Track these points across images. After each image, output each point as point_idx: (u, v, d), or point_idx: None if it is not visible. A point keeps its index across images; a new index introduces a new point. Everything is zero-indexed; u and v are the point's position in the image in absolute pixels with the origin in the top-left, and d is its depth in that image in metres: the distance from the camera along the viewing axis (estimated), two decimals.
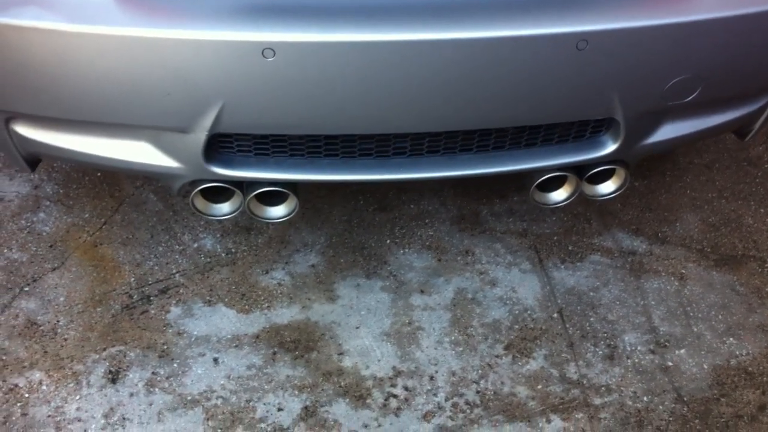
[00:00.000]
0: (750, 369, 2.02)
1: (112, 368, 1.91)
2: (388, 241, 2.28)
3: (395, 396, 1.92)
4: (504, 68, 1.63)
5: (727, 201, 2.50)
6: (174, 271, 2.15)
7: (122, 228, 2.24)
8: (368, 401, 1.90)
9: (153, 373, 1.91)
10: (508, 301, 2.14)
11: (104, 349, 1.95)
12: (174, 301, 2.07)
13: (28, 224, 2.25)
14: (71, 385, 1.87)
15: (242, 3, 1.56)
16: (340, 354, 2.00)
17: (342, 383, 1.93)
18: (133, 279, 2.11)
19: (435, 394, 1.93)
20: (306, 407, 1.87)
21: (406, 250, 2.26)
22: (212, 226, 2.27)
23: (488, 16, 1.59)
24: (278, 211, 1.90)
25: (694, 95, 1.79)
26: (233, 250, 2.22)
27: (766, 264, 2.29)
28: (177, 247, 2.21)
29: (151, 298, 2.07)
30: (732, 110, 1.97)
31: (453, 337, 2.05)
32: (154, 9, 1.55)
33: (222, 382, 1.91)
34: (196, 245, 2.22)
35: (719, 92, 1.87)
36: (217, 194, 1.88)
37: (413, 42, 1.55)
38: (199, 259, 2.19)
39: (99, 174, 2.39)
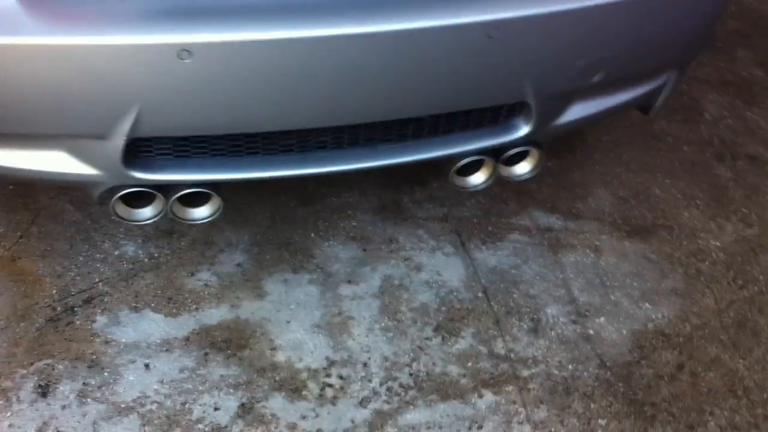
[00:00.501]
0: (666, 331, 2.12)
1: (41, 382, 1.87)
2: (312, 235, 2.30)
3: (330, 385, 1.95)
4: (418, 59, 1.67)
5: (635, 174, 2.61)
6: (97, 280, 2.11)
7: (40, 240, 2.20)
8: (304, 393, 1.92)
9: (84, 383, 1.88)
10: (434, 285, 2.19)
11: (32, 364, 1.91)
12: (99, 310, 2.04)
13: None
14: (1, 402, 1.83)
15: (155, 5, 1.55)
16: (273, 349, 2.01)
17: (277, 378, 1.95)
18: (55, 291, 2.07)
19: (369, 380, 1.96)
20: (242, 404, 1.88)
21: (331, 242, 2.29)
22: (133, 231, 2.24)
23: (402, 8, 1.62)
24: (202, 212, 1.90)
25: (599, 75, 1.87)
26: (156, 255, 2.20)
27: (674, 232, 2.41)
28: (98, 255, 2.18)
29: (76, 308, 2.04)
30: (635, 88, 2.06)
31: (383, 324, 2.08)
32: (64, 15, 1.52)
33: (155, 387, 1.90)
34: (117, 252, 2.20)
35: (622, 71, 1.95)
36: (138, 199, 1.86)
37: (328, 37, 1.57)
38: (121, 266, 2.16)
39: (11, 187, 2.33)
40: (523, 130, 1.95)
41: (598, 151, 2.69)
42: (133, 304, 2.07)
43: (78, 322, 2.01)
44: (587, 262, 2.29)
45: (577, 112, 2.01)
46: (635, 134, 2.78)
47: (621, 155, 2.68)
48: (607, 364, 2.04)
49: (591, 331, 2.11)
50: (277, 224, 2.33)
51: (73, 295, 2.07)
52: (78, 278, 2.11)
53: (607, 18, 1.75)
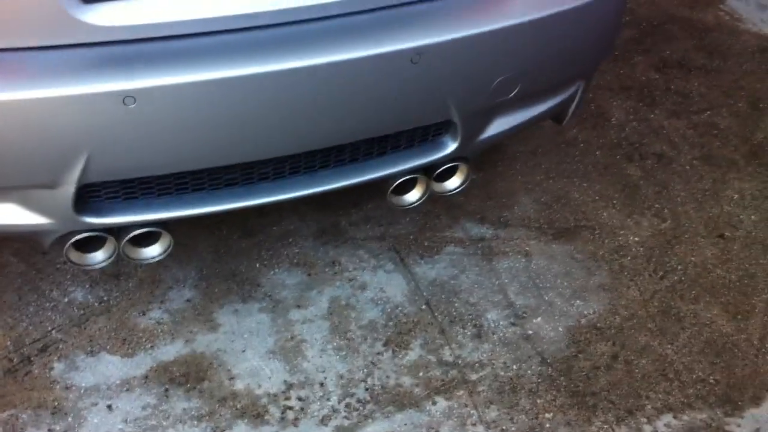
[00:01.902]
0: (599, 325, 2.27)
1: None
2: (257, 265, 2.37)
3: (291, 408, 2.02)
4: (350, 87, 1.78)
5: (554, 181, 2.77)
6: (50, 328, 2.14)
7: None
8: (266, 417, 1.99)
9: (49, 430, 1.91)
10: (379, 302, 2.29)
11: None
12: (56, 358, 2.06)
13: None
14: None
15: (96, 54, 1.62)
16: (231, 379, 2.07)
17: (238, 405, 2.01)
18: (9, 343, 2.09)
19: (328, 399, 2.04)
20: None
21: (276, 270, 2.36)
22: (80, 277, 2.27)
23: (332, 41, 1.73)
24: (154, 251, 1.95)
25: (516, 91, 2.01)
26: (105, 298, 2.23)
27: (596, 231, 2.57)
28: (48, 304, 2.20)
29: (32, 358, 2.06)
30: (549, 99, 2.22)
31: (335, 344, 2.17)
32: (8, 70, 1.58)
33: (120, 426, 1.94)
34: (67, 299, 2.22)
35: (537, 86, 2.10)
36: (89, 243, 1.91)
37: (263, 74, 1.66)
38: (73, 313, 2.19)
39: None
40: (451, 147, 2.08)
41: (518, 161, 2.85)
42: (89, 348, 2.10)
43: (36, 371, 2.03)
44: (519, 267, 2.43)
45: (499, 126, 2.15)
46: (550, 143, 2.94)
47: (540, 163, 2.85)
48: (548, 360, 2.17)
49: (530, 331, 2.24)
50: (221, 257, 2.39)
51: (27, 345, 2.09)
52: (31, 328, 2.13)
53: (519, 37, 1.90)
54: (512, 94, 2.01)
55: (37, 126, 1.60)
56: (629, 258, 2.49)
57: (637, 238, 2.56)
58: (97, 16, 1.58)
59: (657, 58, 3.51)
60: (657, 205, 2.69)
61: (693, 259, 2.50)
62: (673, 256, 2.51)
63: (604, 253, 2.50)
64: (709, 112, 3.17)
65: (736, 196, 2.76)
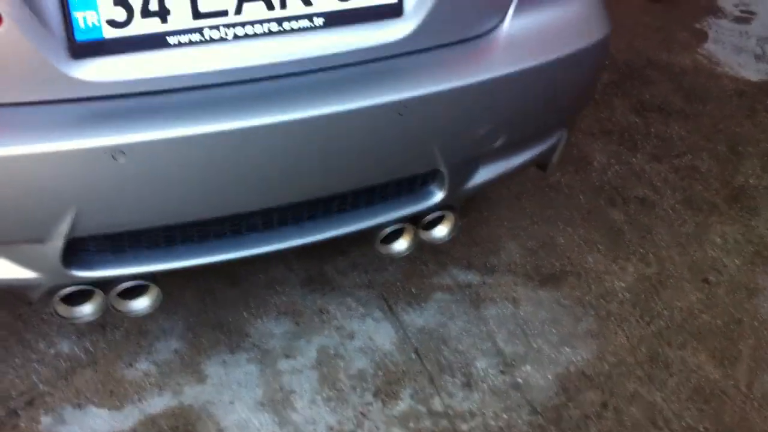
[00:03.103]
0: (587, 372, 2.27)
1: None
2: (245, 314, 2.36)
3: None
4: (338, 140, 1.79)
5: (539, 226, 2.79)
6: (36, 380, 2.11)
7: None
8: None
9: None
10: (368, 350, 2.28)
11: None
12: (43, 411, 2.04)
13: None
14: None
15: (85, 109, 1.62)
16: (220, 431, 2.05)
17: None
18: None
19: None
20: None
21: (264, 319, 2.35)
22: (66, 329, 2.25)
23: (320, 94, 1.74)
24: (142, 303, 1.94)
25: (501, 140, 2.03)
26: (92, 350, 2.22)
27: (582, 277, 2.58)
28: (34, 356, 2.18)
29: (19, 411, 2.03)
30: (533, 147, 2.24)
31: (324, 394, 2.16)
32: None
33: None
34: (53, 351, 2.20)
35: (521, 135, 2.13)
36: (77, 296, 1.89)
37: (251, 127, 1.67)
38: (59, 365, 2.17)
39: None
40: (438, 196, 2.10)
41: (502, 206, 2.87)
42: (76, 401, 2.08)
43: (23, 425, 2.00)
44: (507, 314, 2.43)
45: (484, 174, 2.17)
46: (534, 188, 2.97)
47: (524, 208, 2.87)
48: (538, 409, 2.17)
49: (519, 380, 2.24)
50: (208, 307, 2.38)
51: (14, 398, 2.06)
52: (17, 380, 2.11)
53: (504, 89, 1.93)
54: (497, 144, 2.04)
55: (26, 181, 1.60)
56: (616, 303, 2.51)
57: (622, 284, 2.58)
58: (85, 72, 1.59)
59: (637, 101, 3.57)
60: (641, 250, 2.72)
61: (679, 304, 2.52)
62: (659, 301, 2.53)
63: (591, 298, 2.51)
64: (689, 156, 3.22)
65: (719, 240, 2.79)
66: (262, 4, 1.66)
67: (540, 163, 2.39)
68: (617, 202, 2.93)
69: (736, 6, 4.65)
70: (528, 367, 2.28)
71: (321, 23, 1.73)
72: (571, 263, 2.65)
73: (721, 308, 2.52)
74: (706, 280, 2.62)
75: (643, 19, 4.37)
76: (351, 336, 2.32)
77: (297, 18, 1.70)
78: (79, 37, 1.55)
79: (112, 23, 1.56)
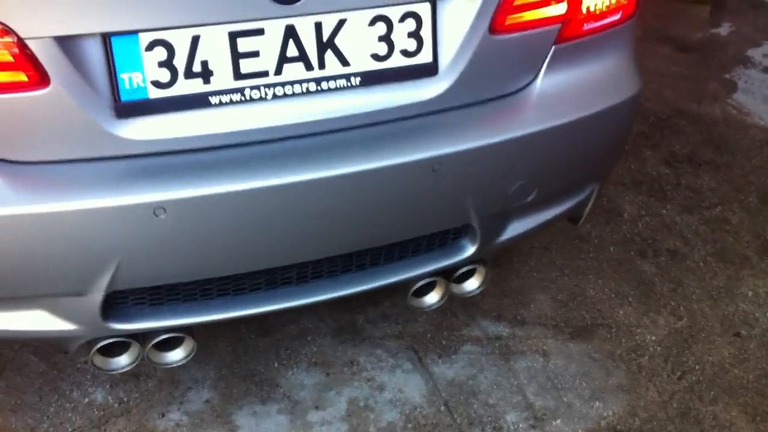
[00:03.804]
0: (618, 427, 2.26)
1: None
2: (276, 364, 2.38)
3: None
4: (374, 196, 1.83)
5: (569, 278, 2.79)
6: (69, 429, 2.13)
7: (8, 394, 2.21)
8: None
9: None
10: (397, 403, 2.28)
11: None
12: None
13: None
14: None
15: (129, 166, 1.67)
16: None
17: None
18: None
19: None
20: None
21: (295, 369, 2.37)
22: (100, 378, 2.28)
23: (355, 152, 1.78)
24: (177, 355, 1.97)
25: (532, 195, 2.05)
26: (125, 399, 2.24)
27: (613, 330, 2.58)
28: (68, 404, 2.21)
29: None
30: (565, 202, 2.26)
31: None
32: (42, 183, 1.62)
33: None
34: (87, 400, 2.22)
35: (553, 190, 2.15)
36: (113, 348, 1.93)
37: (290, 184, 1.71)
38: (92, 414, 2.19)
39: None
40: (470, 250, 2.11)
41: (532, 258, 2.88)
42: None
43: None
44: (537, 367, 2.43)
45: (516, 228, 2.18)
46: (564, 239, 2.98)
47: (554, 260, 2.87)
48: None
49: None
50: (240, 357, 2.40)
51: None
52: (51, 429, 2.13)
53: (536, 145, 1.95)
54: (529, 199, 2.06)
55: (69, 236, 1.64)
56: (647, 357, 2.49)
57: (653, 337, 2.57)
58: (129, 130, 1.64)
59: (667, 152, 3.57)
60: (672, 303, 2.71)
61: (710, 358, 2.50)
62: (690, 355, 2.51)
63: (622, 352, 2.50)
64: (720, 207, 3.21)
65: (750, 294, 2.77)
66: (301, 64, 1.70)
67: (571, 217, 2.40)
68: (648, 254, 2.93)
69: (765, 56, 4.67)
70: (558, 422, 2.27)
71: (358, 82, 1.77)
72: (601, 316, 2.64)
73: (753, 363, 2.50)
74: (737, 334, 2.60)
75: (672, 69, 4.39)
76: (381, 388, 2.33)
77: (335, 78, 1.74)
78: (125, 97, 1.60)
79: (157, 84, 1.61)
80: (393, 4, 1.72)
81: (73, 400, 2.23)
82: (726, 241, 3.02)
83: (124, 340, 1.88)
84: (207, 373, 2.34)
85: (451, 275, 2.17)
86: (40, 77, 1.54)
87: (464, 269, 2.17)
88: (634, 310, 2.67)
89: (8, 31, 1.49)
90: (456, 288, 2.24)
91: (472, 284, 2.26)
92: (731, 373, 2.46)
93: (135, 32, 1.55)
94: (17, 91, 1.55)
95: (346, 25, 1.70)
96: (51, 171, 1.64)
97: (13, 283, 1.70)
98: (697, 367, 2.47)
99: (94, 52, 1.56)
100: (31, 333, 1.80)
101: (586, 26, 1.95)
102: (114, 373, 1.96)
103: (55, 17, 1.50)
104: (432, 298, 2.22)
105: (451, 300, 2.54)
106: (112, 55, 1.56)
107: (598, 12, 1.95)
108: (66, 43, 1.52)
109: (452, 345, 2.49)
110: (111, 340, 1.85)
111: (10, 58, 1.51)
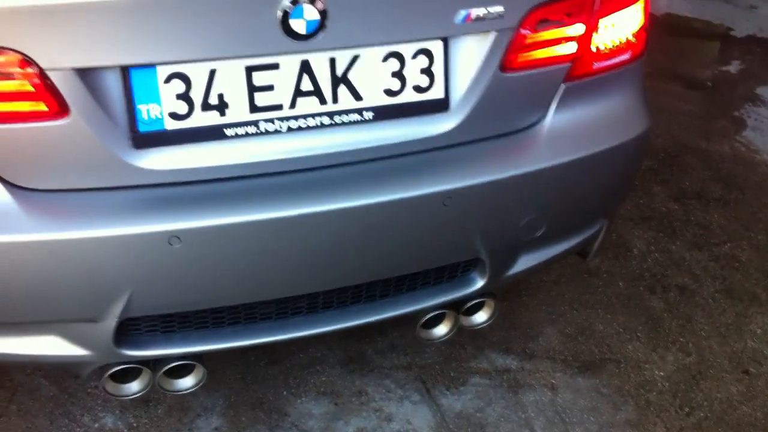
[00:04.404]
0: None
1: None
2: (284, 393, 2.39)
3: None
4: (384, 229, 1.85)
5: (578, 311, 2.80)
6: None
7: (20, 418, 2.23)
8: None
9: None
10: None
11: None
12: None
13: None
14: None
15: (145, 196, 1.70)
16: None
17: None
18: None
19: None
20: None
21: (303, 398, 2.38)
22: (111, 403, 2.30)
23: (366, 185, 1.81)
24: (187, 382, 1.99)
25: (542, 230, 2.07)
26: (135, 425, 2.25)
27: (621, 365, 2.58)
28: (78, 429, 2.22)
29: None
30: (574, 237, 2.28)
31: None
32: (59, 211, 1.66)
33: None
34: (97, 425, 2.24)
35: (562, 224, 2.17)
36: (124, 374, 1.94)
37: (301, 215, 1.74)
38: None
39: None
40: (479, 283, 2.13)
41: (541, 291, 2.89)
42: None
43: None
44: (545, 401, 2.43)
45: (525, 262, 2.20)
46: (573, 273, 2.99)
47: (563, 294, 2.88)
48: None
49: None
50: (249, 384, 2.41)
51: None
52: None
53: (547, 180, 1.98)
54: (538, 234, 2.08)
55: (84, 263, 1.67)
56: (655, 393, 2.49)
57: (662, 373, 2.57)
58: (146, 161, 1.67)
59: (676, 188, 3.59)
60: (681, 339, 2.71)
61: (718, 395, 2.50)
62: (698, 392, 2.51)
63: (630, 387, 2.51)
64: (729, 245, 3.22)
65: (759, 331, 2.77)
66: (315, 98, 1.74)
67: (581, 251, 2.42)
68: (657, 290, 2.94)
69: None
70: None
71: (370, 117, 1.80)
72: (610, 350, 2.65)
73: (761, 400, 2.49)
74: (746, 372, 2.60)
75: (681, 106, 4.42)
76: (389, 418, 2.34)
77: (348, 112, 1.78)
78: (142, 128, 1.64)
79: (174, 115, 1.65)
80: (406, 41, 1.76)
81: (83, 424, 2.25)
82: (735, 278, 3.03)
83: (136, 366, 1.91)
84: (216, 400, 2.36)
85: (460, 307, 2.19)
86: (59, 107, 1.58)
87: (473, 302, 2.19)
88: (642, 345, 2.68)
89: (30, 62, 1.53)
90: (465, 320, 2.26)
91: (481, 317, 2.27)
92: (739, 410, 2.45)
93: (153, 65, 1.60)
94: (37, 121, 1.58)
95: (359, 60, 1.74)
96: (68, 199, 1.67)
97: (28, 309, 1.73)
98: (705, 403, 2.47)
99: (113, 84, 1.60)
100: (44, 357, 1.83)
101: (596, 65, 1.98)
102: (125, 398, 1.97)
103: (76, 49, 1.54)
104: (441, 330, 2.23)
105: (459, 332, 2.55)
106: (130, 87, 1.60)
107: (607, 51, 1.98)
108: (86, 75, 1.56)
109: (460, 377, 2.50)
110: (123, 366, 1.88)
111: (31, 89, 1.56)
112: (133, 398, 2.01)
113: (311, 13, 1.59)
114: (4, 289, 1.69)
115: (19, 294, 1.69)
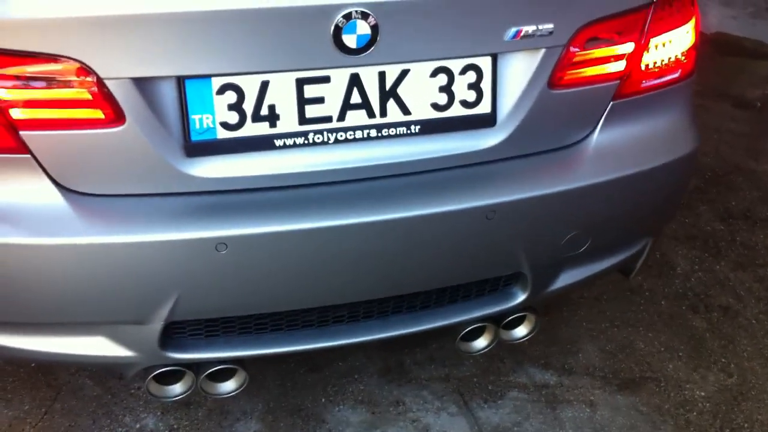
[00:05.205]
0: None
1: None
2: (323, 400, 2.41)
3: None
4: (428, 241, 1.86)
5: (619, 329, 2.79)
6: None
7: (64, 416, 2.28)
8: None
9: None
10: None
11: None
12: None
13: None
14: None
15: (194, 203, 1.73)
16: None
17: None
18: None
19: None
20: None
21: (341, 406, 2.40)
22: (152, 404, 2.34)
23: (413, 197, 1.83)
24: (229, 386, 2.02)
25: (586, 246, 2.07)
26: (176, 426, 2.29)
27: (661, 384, 2.56)
28: (120, 429, 2.27)
29: None
30: (618, 254, 2.27)
31: None
32: (112, 216, 1.70)
33: None
34: (138, 426, 2.28)
35: (606, 241, 2.16)
36: (168, 376, 1.98)
37: (347, 225, 1.76)
38: None
39: (33, 364, 2.43)
40: (521, 297, 2.13)
41: (582, 308, 2.88)
42: None
43: None
44: (584, 417, 2.42)
45: (567, 278, 2.20)
46: (615, 290, 2.97)
47: (604, 311, 2.87)
48: None
49: None
50: (288, 391, 2.44)
51: None
52: None
53: (593, 197, 1.98)
54: (581, 250, 2.07)
55: (134, 267, 1.71)
56: (695, 413, 2.47)
57: (703, 393, 2.54)
58: (197, 169, 1.71)
59: (722, 208, 3.55)
60: (723, 360, 2.68)
61: (759, 417, 2.47)
62: (739, 413, 2.48)
63: (670, 407, 2.48)
64: None
65: None
66: (364, 111, 1.76)
67: (623, 269, 2.41)
68: (700, 309, 2.91)
69: None
70: None
71: (417, 130, 1.82)
72: (650, 369, 2.63)
73: None
74: None
75: (730, 126, 4.37)
76: (426, 429, 2.34)
77: (395, 125, 1.80)
78: (195, 137, 1.68)
79: (225, 125, 1.69)
80: (455, 57, 1.78)
81: (125, 425, 2.29)
82: None
83: (179, 369, 1.94)
84: (255, 405, 2.39)
85: (501, 321, 2.19)
86: (115, 115, 1.62)
87: (514, 316, 2.19)
88: (683, 364, 2.65)
89: (88, 71, 1.57)
90: (505, 334, 2.26)
91: (521, 331, 2.27)
92: None
93: (208, 76, 1.63)
94: (93, 128, 1.63)
95: (408, 75, 1.76)
96: (120, 204, 1.72)
97: (79, 310, 1.77)
98: (746, 425, 2.44)
99: (168, 94, 1.64)
100: (90, 358, 1.87)
101: (645, 83, 1.98)
102: (167, 400, 2.01)
103: (134, 60, 1.58)
104: (480, 343, 2.24)
105: (499, 345, 2.55)
106: (185, 97, 1.64)
107: (656, 70, 1.98)
108: (142, 84, 1.61)
109: (498, 390, 2.50)
110: (167, 369, 1.91)
111: (89, 97, 1.60)
112: (174, 400, 2.04)
113: (363, 28, 1.62)
114: (57, 290, 1.73)
115: (71, 295, 1.74)
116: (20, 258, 1.67)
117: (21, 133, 1.62)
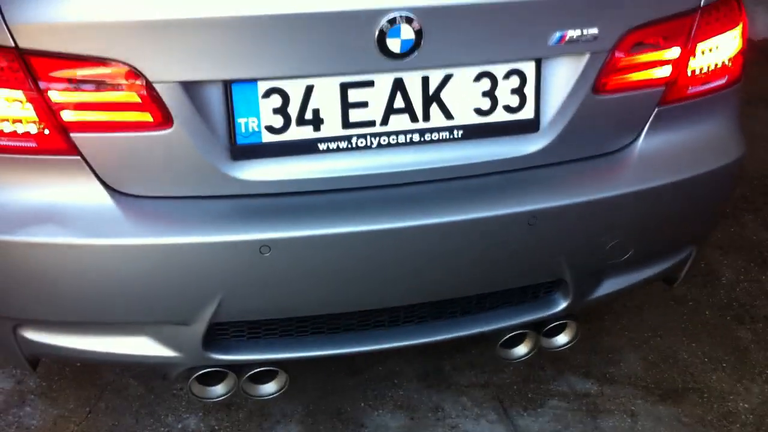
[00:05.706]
0: None
1: None
2: (362, 404, 2.42)
3: None
4: (470, 246, 1.87)
5: (662, 339, 2.75)
6: None
7: (107, 415, 2.32)
8: None
9: None
10: None
11: None
12: None
13: (16, 419, 2.31)
14: None
15: (239, 206, 1.76)
16: None
17: None
18: None
19: None
20: None
21: (380, 411, 2.40)
22: (194, 405, 2.36)
23: (453, 202, 1.83)
24: (270, 388, 2.04)
25: (629, 254, 2.05)
26: (217, 428, 2.31)
27: (704, 395, 2.52)
28: (162, 429, 2.29)
29: None
30: (661, 263, 2.25)
31: None
32: (158, 217, 1.73)
33: None
34: (180, 425, 2.31)
35: (649, 249, 2.14)
36: (210, 377, 2.00)
37: (389, 230, 1.77)
38: None
39: (78, 363, 2.47)
40: (562, 305, 2.12)
41: (624, 317, 2.85)
42: None
43: None
44: (625, 427, 2.39)
45: (609, 286, 2.18)
46: (658, 299, 2.94)
47: (647, 320, 2.84)
48: None
49: None
50: (328, 394, 2.45)
51: None
52: None
53: (636, 204, 1.96)
54: (624, 258, 2.06)
55: (179, 268, 1.74)
56: (738, 425, 2.43)
57: (747, 405, 2.50)
58: (242, 172, 1.73)
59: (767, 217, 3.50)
60: None
61: None
62: None
63: (713, 418, 2.44)
64: None
65: None
66: (407, 116, 1.77)
67: (667, 278, 2.38)
68: (745, 320, 2.86)
69: None
70: None
71: (460, 135, 1.82)
72: (693, 380, 2.59)
73: None
74: None
75: None
76: None
77: (438, 130, 1.80)
78: (240, 140, 1.70)
79: (270, 129, 1.71)
80: (498, 62, 1.78)
81: (167, 424, 2.32)
82: None
83: (222, 370, 1.96)
84: (296, 407, 2.40)
85: (542, 328, 2.18)
86: (163, 118, 1.65)
87: (555, 323, 2.18)
88: (727, 376, 2.61)
89: (138, 74, 1.60)
90: (545, 342, 2.25)
91: (562, 339, 2.26)
92: None
93: (254, 80, 1.65)
94: (141, 131, 1.66)
95: (452, 80, 1.76)
96: (166, 206, 1.74)
97: (125, 310, 1.80)
98: None
99: (214, 98, 1.66)
100: (135, 357, 1.90)
101: (691, 89, 1.96)
102: (209, 401, 2.03)
103: (182, 64, 1.61)
104: (521, 350, 2.23)
105: (539, 353, 2.53)
106: (231, 101, 1.66)
107: (703, 76, 1.96)
108: (190, 88, 1.63)
109: (538, 398, 2.49)
110: (209, 369, 1.93)
111: (138, 100, 1.63)
112: (216, 401, 2.06)
113: (407, 32, 1.63)
114: (104, 290, 1.77)
115: (117, 295, 1.77)
116: (68, 258, 1.70)
117: (71, 135, 1.66)
